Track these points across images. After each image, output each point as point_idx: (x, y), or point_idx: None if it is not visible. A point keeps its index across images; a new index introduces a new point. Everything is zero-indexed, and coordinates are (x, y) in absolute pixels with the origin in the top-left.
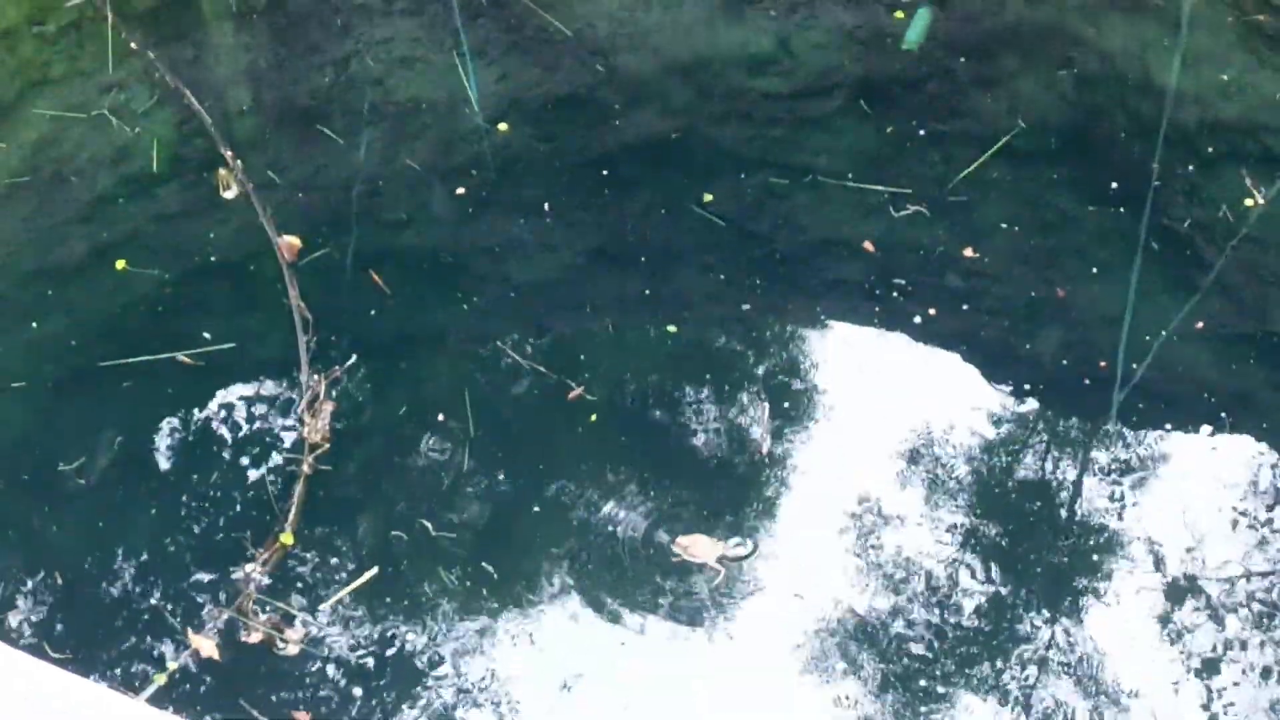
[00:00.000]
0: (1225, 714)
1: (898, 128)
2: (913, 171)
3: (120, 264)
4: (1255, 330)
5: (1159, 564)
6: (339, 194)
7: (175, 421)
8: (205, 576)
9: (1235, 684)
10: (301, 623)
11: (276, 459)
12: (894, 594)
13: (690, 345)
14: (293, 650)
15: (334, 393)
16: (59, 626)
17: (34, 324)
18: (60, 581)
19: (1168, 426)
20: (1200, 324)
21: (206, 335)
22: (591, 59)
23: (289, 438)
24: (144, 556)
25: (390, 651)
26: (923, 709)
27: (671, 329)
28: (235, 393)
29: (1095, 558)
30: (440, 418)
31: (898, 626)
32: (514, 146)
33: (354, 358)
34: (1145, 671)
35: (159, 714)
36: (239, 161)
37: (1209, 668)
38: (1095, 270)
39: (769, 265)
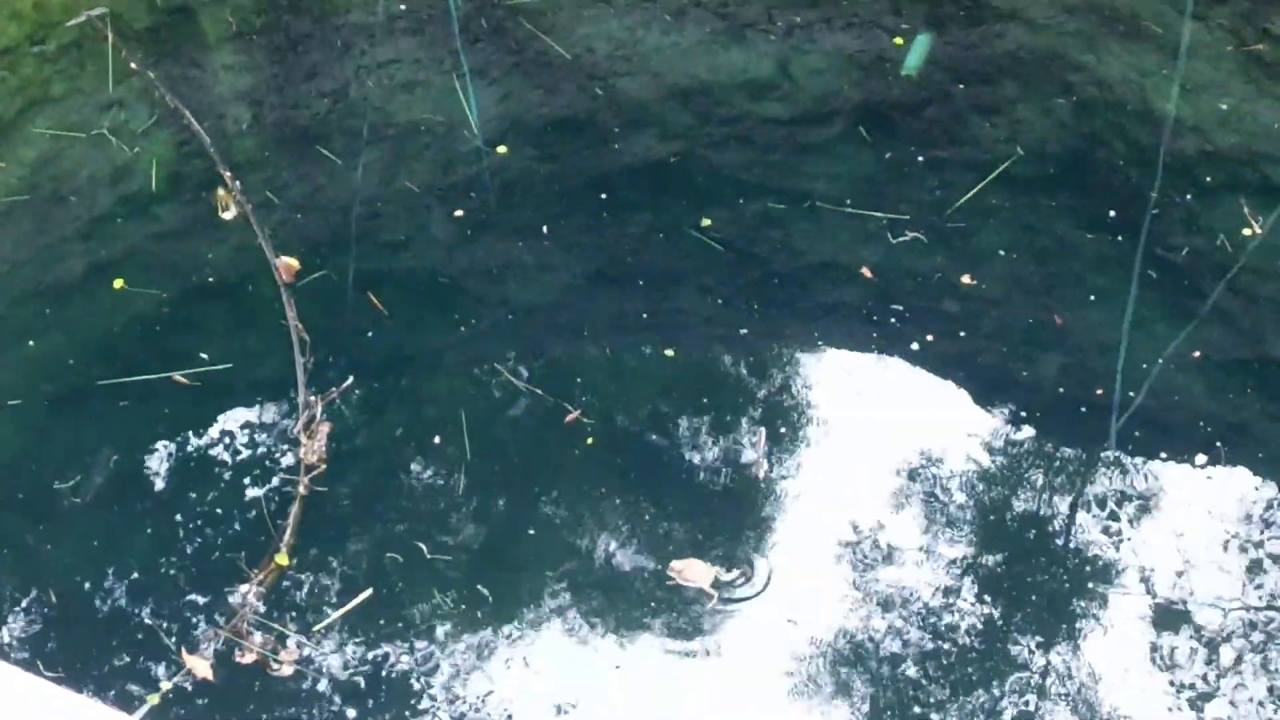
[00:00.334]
0: None
1: (896, 154)
2: (911, 198)
3: (118, 283)
4: (1252, 359)
5: (1154, 592)
6: (337, 215)
7: (171, 441)
8: (200, 597)
9: (1229, 714)
10: (296, 644)
11: (273, 480)
12: (889, 620)
13: (688, 369)
14: (287, 671)
15: (330, 414)
16: (52, 645)
17: (31, 342)
18: (54, 600)
19: (1164, 455)
20: (1197, 353)
21: (203, 355)
22: (591, 83)
23: (285, 458)
24: (138, 576)
25: (384, 673)
26: None
27: (669, 352)
28: (232, 413)
29: (1091, 585)
30: (437, 440)
31: (892, 653)
32: (513, 169)
33: (351, 379)
34: (1140, 700)
35: None
36: (238, 182)
37: (1204, 697)
38: (1093, 298)
39: (767, 290)
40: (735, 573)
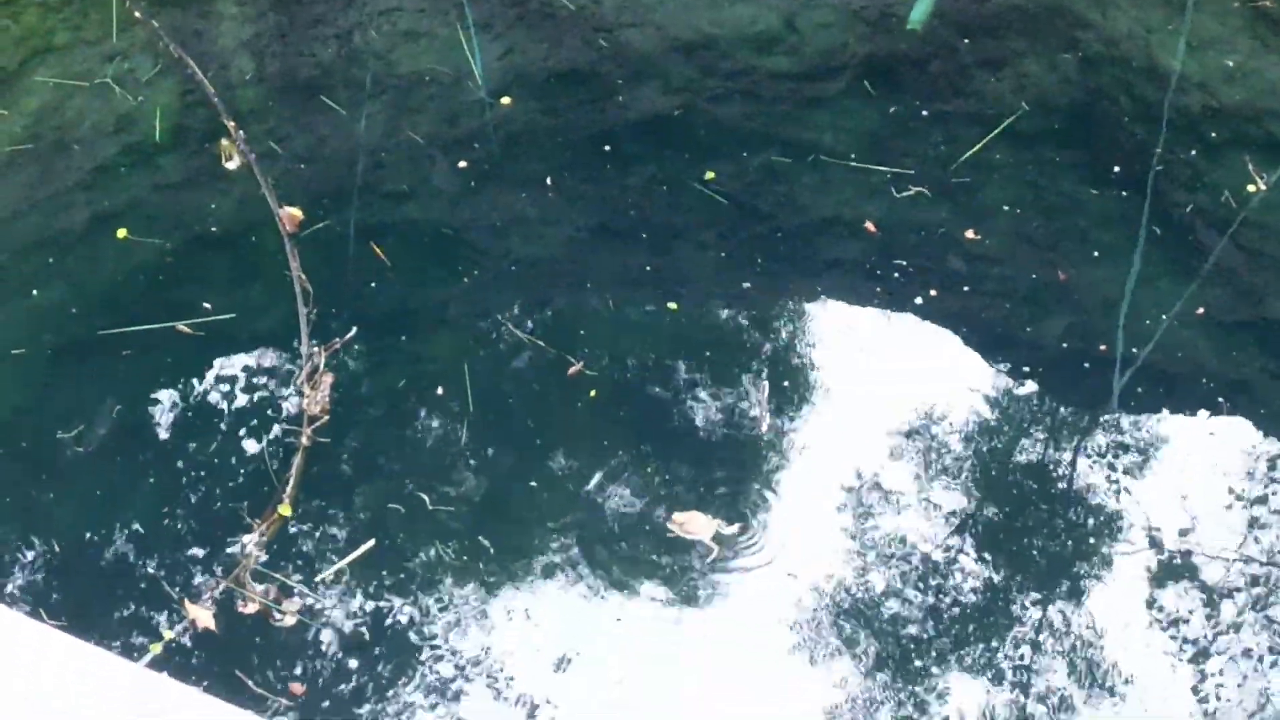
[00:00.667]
0: (1218, 697)
1: (901, 108)
2: (915, 152)
3: (121, 233)
4: (1255, 317)
5: (1156, 546)
6: (341, 166)
7: (174, 391)
8: (202, 547)
9: (1230, 667)
10: (298, 594)
11: (275, 431)
12: (889, 574)
13: (691, 322)
14: (289, 622)
15: (334, 365)
16: (55, 595)
17: (34, 292)
18: (56, 550)
19: (1167, 411)
20: (1201, 309)
21: (207, 305)
22: (595, 35)
23: (288, 409)
24: (141, 526)
25: (386, 624)
26: (916, 689)
27: (672, 306)
28: (235, 363)
29: (1092, 540)
30: (439, 391)
31: (892, 606)
32: (517, 121)
33: (354, 330)
34: (1140, 653)
35: (158, 677)
36: (241, 132)
37: (1204, 651)
38: (1097, 254)
39: (770, 244)
40: (736, 526)
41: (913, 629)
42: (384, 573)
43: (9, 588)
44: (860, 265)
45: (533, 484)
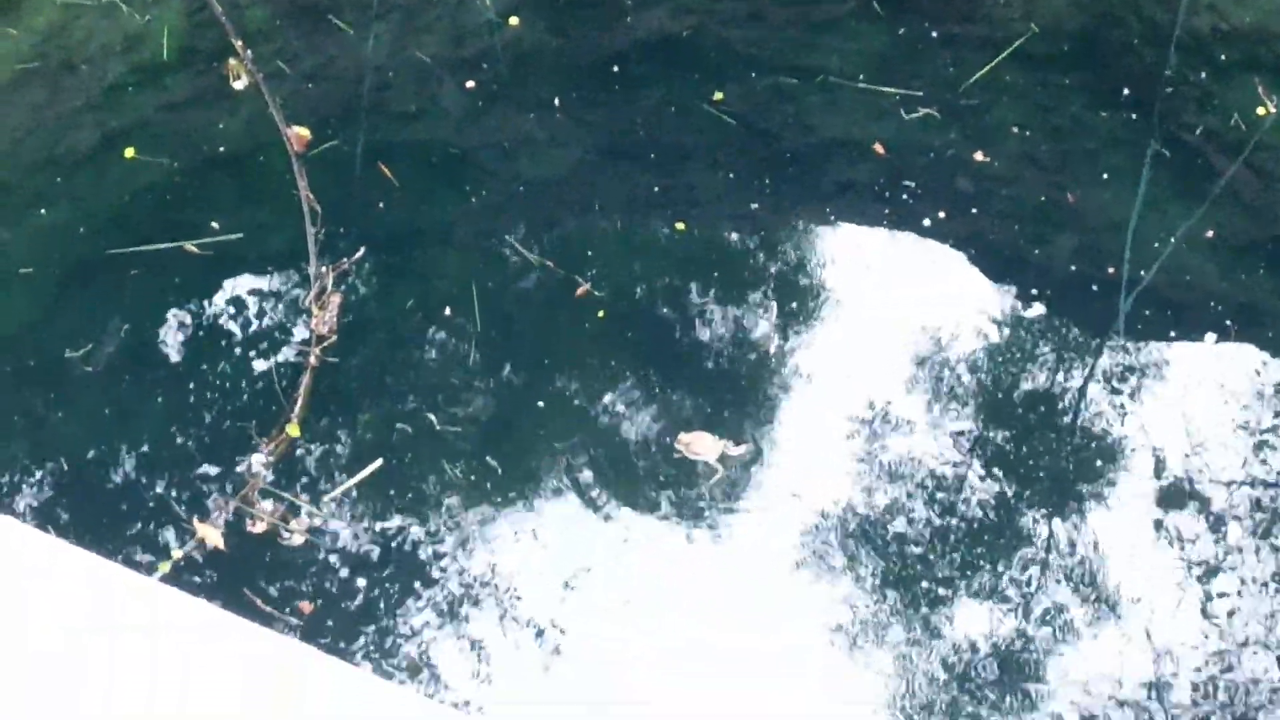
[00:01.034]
0: (1224, 620)
1: (910, 30)
2: (924, 74)
3: (129, 152)
4: (1264, 239)
5: (1161, 469)
6: (349, 86)
7: (182, 311)
8: (211, 466)
9: (1235, 591)
10: (306, 514)
11: (283, 350)
12: (894, 495)
13: (698, 244)
14: (297, 541)
15: (342, 285)
16: (64, 514)
17: (42, 211)
18: (66, 468)
19: (1174, 334)
20: (1210, 232)
21: (215, 225)
22: None
23: (296, 329)
24: (149, 445)
25: (394, 543)
26: (921, 609)
27: (680, 227)
28: (243, 283)
29: (1098, 463)
30: (447, 312)
31: (898, 527)
32: (525, 41)
33: (362, 250)
34: (1145, 577)
35: (171, 590)
36: (249, 51)
37: (1209, 574)
38: (1106, 176)
39: (779, 165)
40: (742, 447)
41: (918, 550)
42: (391, 492)
43: (19, 506)
44: (869, 187)
45: (540, 404)
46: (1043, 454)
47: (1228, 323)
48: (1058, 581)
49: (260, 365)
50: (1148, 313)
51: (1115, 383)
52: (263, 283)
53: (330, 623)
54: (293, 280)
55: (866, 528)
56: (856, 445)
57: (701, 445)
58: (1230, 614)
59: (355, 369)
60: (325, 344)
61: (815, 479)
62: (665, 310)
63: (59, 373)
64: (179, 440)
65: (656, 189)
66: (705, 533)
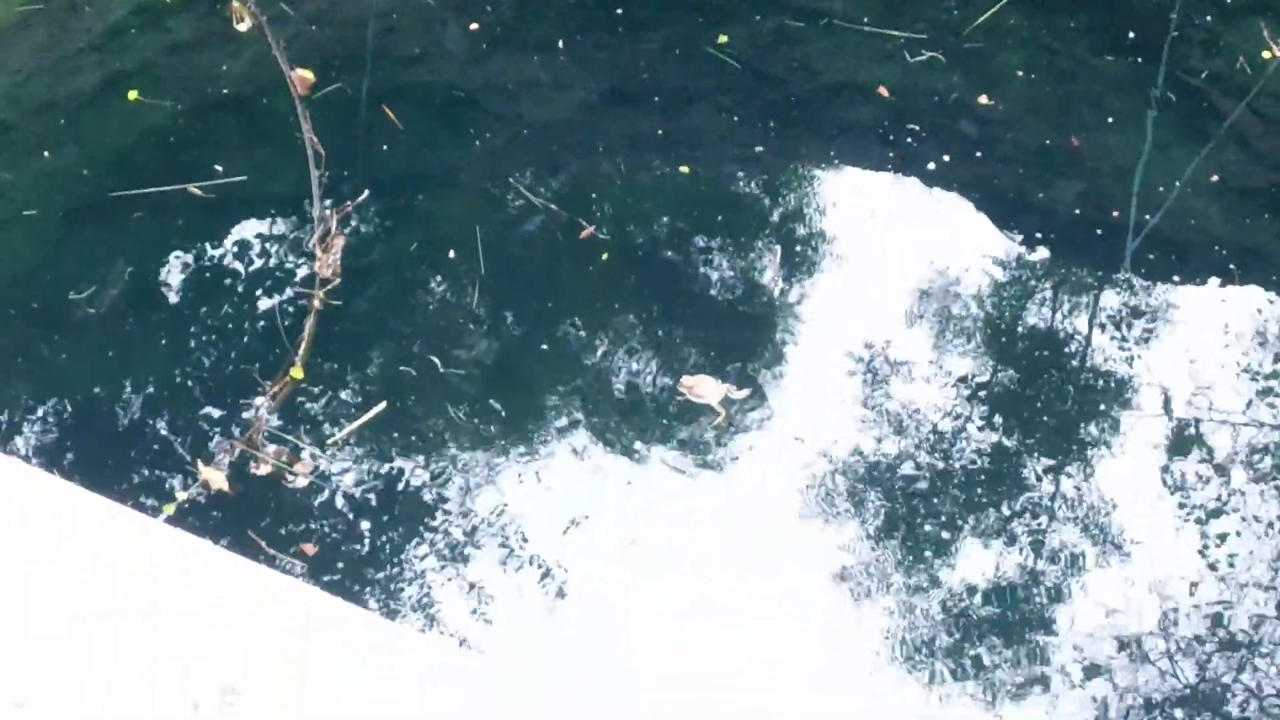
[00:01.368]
0: (1227, 563)
1: None
2: (929, 17)
3: (132, 94)
4: (1268, 184)
5: (1166, 412)
6: (352, 28)
7: (186, 253)
8: (215, 409)
9: (1238, 534)
10: (310, 456)
11: (287, 293)
12: (898, 439)
13: (703, 187)
14: (301, 483)
15: (346, 228)
16: (68, 455)
17: (45, 153)
18: (69, 410)
19: (1178, 278)
20: (1215, 177)
21: (218, 168)
22: None
23: (300, 272)
24: (154, 388)
25: (397, 486)
26: (924, 552)
27: (684, 170)
28: (247, 226)
29: (1102, 405)
30: (451, 254)
31: (901, 470)
32: None
33: (366, 193)
34: (1149, 519)
35: (177, 532)
36: None
37: (1212, 517)
38: (1111, 120)
39: (783, 108)
40: (745, 390)
41: (921, 494)
42: (395, 435)
43: (23, 447)
44: (873, 130)
45: (544, 347)
46: (1046, 397)
47: (1231, 266)
48: (1062, 523)
49: (264, 308)
50: (1152, 256)
51: (1120, 326)
52: (266, 225)
53: (334, 564)
54: (296, 223)
55: (869, 471)
56: (859, 388)
57: (704, 388)
58: (1233, 557)
59: (359, 312)
60: (329, 287)
61: (818, 422)
62: (669, 253)
63: (63, 315)
64: (182, 383)
65: (660, 132)
66: (708, 475)
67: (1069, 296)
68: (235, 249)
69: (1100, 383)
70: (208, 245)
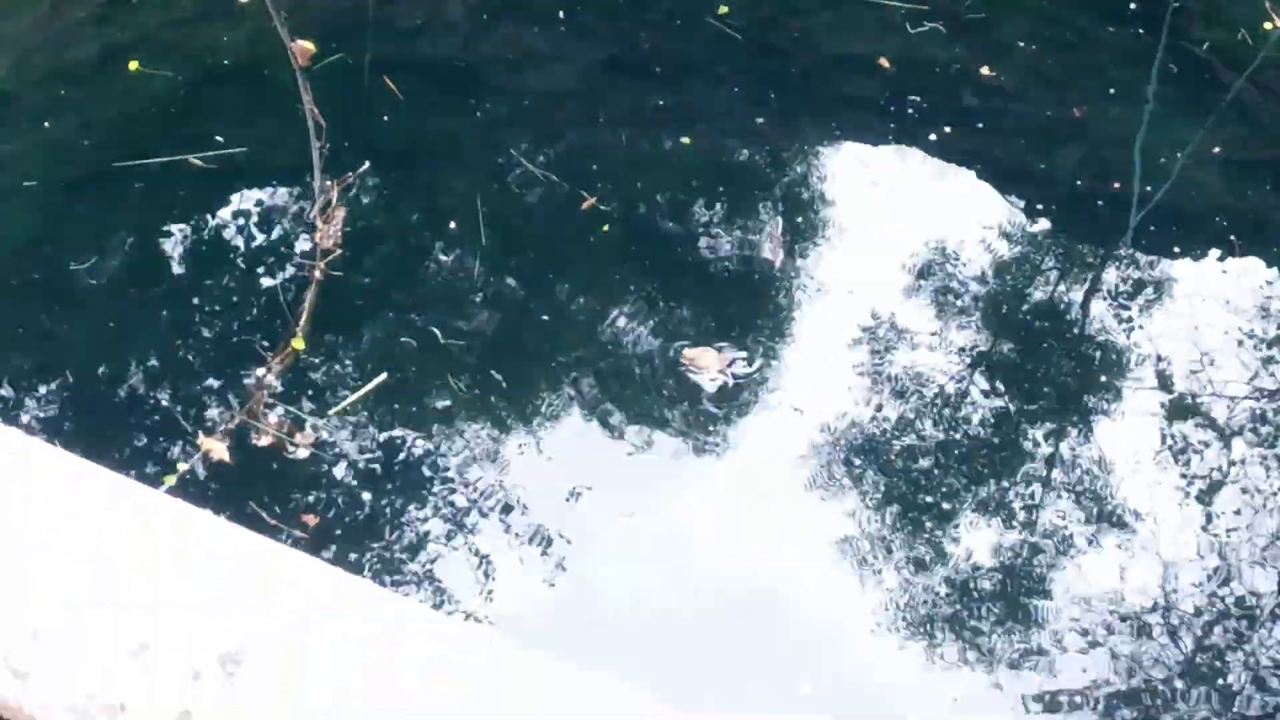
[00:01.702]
0: (1228, 534)
1: None
2: None
3: (133, 65)
4: (1270, 155)
5: (1167, 383)
6: None
7: (187, 225)
8: (216, 380)
9: (1238, 506)
10: (311, 427)
11: (288, 264)
12: (898, 411)
13: (704, 157)
14: (302, 454)
15: (346, 199)
16: (69, 426)
17: (46, 124)
18: (70, 381)
19: (1180, 249)
20: (1217, 148)
21: (219, 138)
22: None
23: (301, 243)
24: (155, 358)
25: (398, 457)
26: (924, 523)
27: (685, 141)
28: (248, 197)
29: (1104, 377)
30: (452, 225)
31: (901, 442)
32: None
33: (367, 164)
34: (1150, 491)
35: (179, 503)
36: None
37: (1214, 488)
38: (1113, 91)
39: (784, 80)
40: (746, 361)
41: (921, 466)
42: (396, 406)
43: (24, 418)
44: (874, 102)
45: (545, 318)
46: (1048, 369)
47: (1233, 238)
48: (1062, 495)
49: (265, 279)
50: (1153, 228)
51: (1121, 298)
52: (267, 196)
53: (335, 535)
54: (297, 194)
55: (869, 443)
56: (859, 359)
57: (705, 360)
58: (1232, 529)
59: (360, 283)
60: (330, 257)
61: (818, 393)
62: (670, 224)
63: (63, 286)
64: (183, 354)
65: (661, 103)
66: (709, 446)
67: (1070, 267)
68: (236, 220)
69: (1101, 353)
70: (209, 216)
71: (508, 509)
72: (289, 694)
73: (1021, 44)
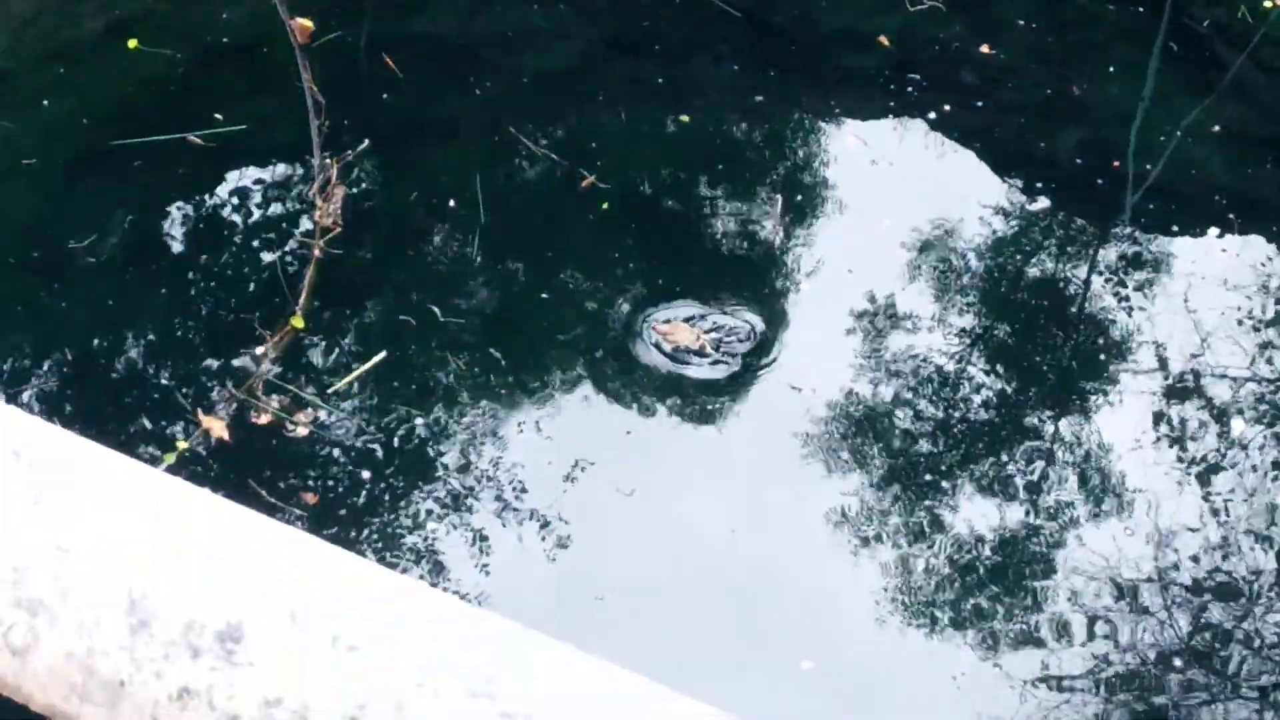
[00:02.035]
0: (1225, 512)
1: None
2: None
3: (132, 43)
4: (1270, 134)
5: (1165, 362)
6: None
7: (186, 203)
8: (215, 359)
9: (1236, 484)
10: (311, 406)
11: (288, 242)
12: (896, 389)
13: (703, 135)
14: (302, 432)
15: (346, 177)
16: (68, 405)
17: (45, 102)
18: (70, 360)
19: (1178, 227)
20: (1217, 127)
21: (218, 116)
22: None
23: (300, 221)
24: (154, 337)
25: (397, 435)
26: (922, 501)
27: (684, 119)
28: (247, 175)
29: (1103, 356)
30: (451, 204)
31: (899, 422)
32: None
33: (366, 142)
34: (1148, 470)
35: (178, 481)
36: None
37: (1212, 467)
38: (1112, 69)
39: (784, 57)
40: (714, 333)
41: (919, 444)
42: (395, 384)
43: (24, 396)
44: (874, 79)
45: (544, 296)
46: (1046, 348)
47: (1231, 216)
48: (1060, 474)
49: (264, 257)
50: (1152, 206)
51: (1120, 276)
52: (266, 175)
53: (335, 513)
54: (296, 172)
55: (868, 421)
56: (858, 337)
57: (680, 335)
58: (1230, 507)
59: (360, 261)
60: (329, 236)
61: (816, 371)
62: (669, 202)
63: (63, 264)
64: (183, 333)
65: (660, 81)
66: (707, 424)
67: (1069, 245)
68: (235, 198)
69: (1101, 334)
70: (208, 194)
71: (507, 486)
72: (289, 670)
73: (1021, 22)
